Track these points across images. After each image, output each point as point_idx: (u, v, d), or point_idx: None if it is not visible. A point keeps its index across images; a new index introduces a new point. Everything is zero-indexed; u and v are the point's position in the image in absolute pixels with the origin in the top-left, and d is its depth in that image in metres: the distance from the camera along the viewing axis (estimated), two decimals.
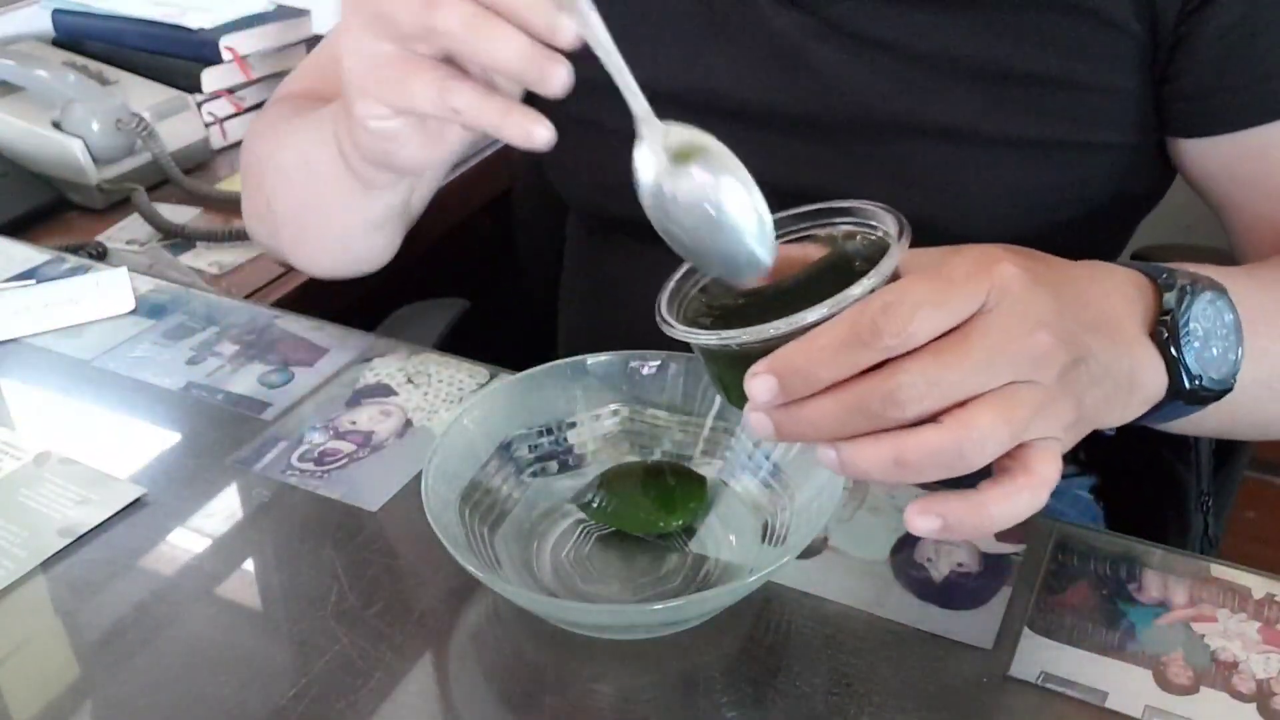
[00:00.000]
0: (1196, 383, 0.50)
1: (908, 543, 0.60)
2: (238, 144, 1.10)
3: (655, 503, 0.60)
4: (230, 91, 1.17)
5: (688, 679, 0.53)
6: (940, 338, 0.42)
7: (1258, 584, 0.57)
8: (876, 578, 0.58)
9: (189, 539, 0.62)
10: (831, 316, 0.43)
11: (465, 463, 0.59)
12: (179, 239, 0.99)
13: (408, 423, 0.70)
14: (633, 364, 0.64)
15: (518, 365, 0.66)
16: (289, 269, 0.92)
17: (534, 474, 0.63)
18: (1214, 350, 0.51)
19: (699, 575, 0.58)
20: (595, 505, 0.60)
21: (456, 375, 0.74)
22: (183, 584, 0.59)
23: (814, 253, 0.50)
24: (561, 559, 0.59)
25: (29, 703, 0.53)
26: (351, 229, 0.71)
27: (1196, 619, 0.56)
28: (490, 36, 0.46)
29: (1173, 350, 0.49)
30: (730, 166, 0.47)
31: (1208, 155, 0.66)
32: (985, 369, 0.42)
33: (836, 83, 0.67)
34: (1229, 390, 0.51)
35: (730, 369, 0.46)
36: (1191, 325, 0.50)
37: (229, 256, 0.97)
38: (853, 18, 0.66)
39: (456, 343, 0.96)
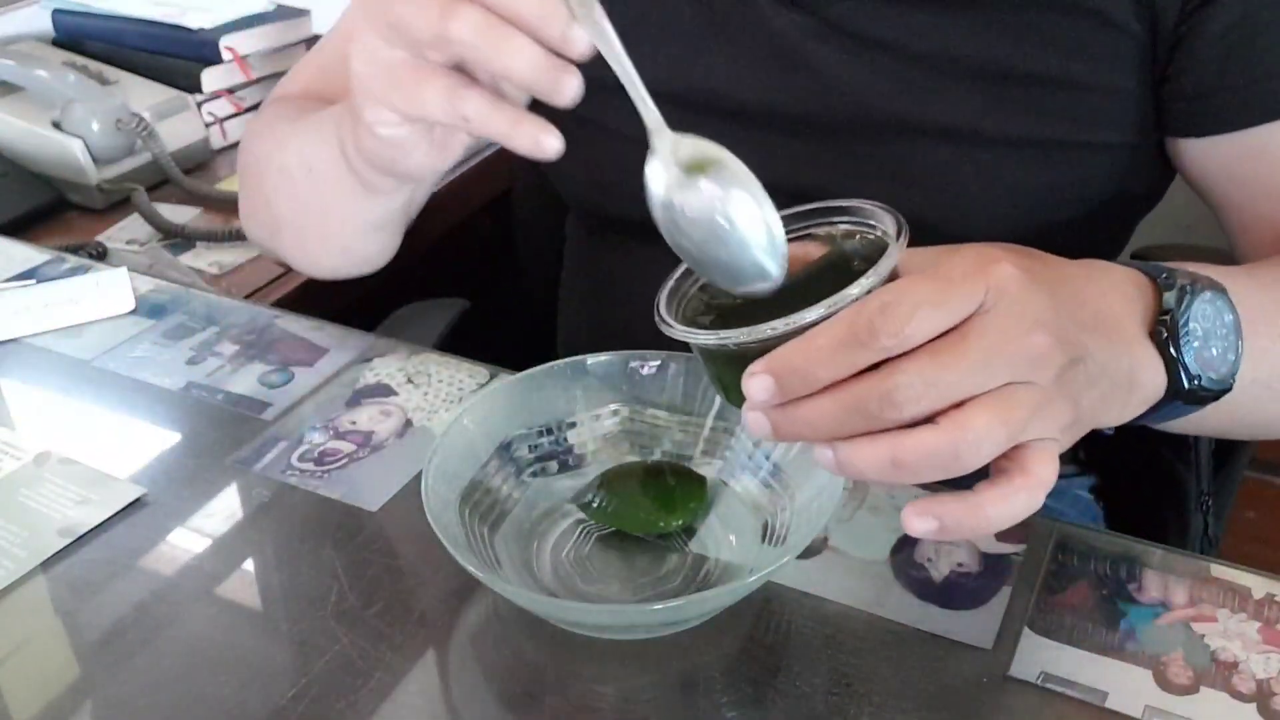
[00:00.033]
0: (1195, 383, 0.50)
1: (908, 543, 0.60)
2: (238, 144, 1.10)
3: (655, 503, 0.60)
4: (230, 91, 1.17)
5: (688, 679, 0.53)
6: (938, 338, 0.42)
7: (1258, 584, 0.57)
8: (876, 578, 0.58)
9: (189, 539, 0.62)
10: (829, 316, 0.43)
11: (465, 463, 0.59)
12: (179, 239, 0.99)
13: (408, 423, 0.70)
14: (633, 364, 0.64)
15: (518, 365, 0.66)
16: (289, 269, 0.92)
17: (534, 474, 0.63)
18: (1213, 350, 0.51)
19: (699, 575, 0.58)
20: (595, 505, 0.60)
21: (456, 375, 0.74)
22: (183, 584, 0.59)
23: (814, 252, 0.50)
24: (561, 559, 0.59)
25: (29, 703, 0.53)
26: (352, 231, 0.71)
27: (1196, 619, 0.56)
28: (504, 46, 0.46)
29: (1172, 350, 0.49)
30: (742, 179, 0.47)
31: (1207, 155, 0.66)
32: (982, 370, 0.42)
33: (836, 83, 0.67)
34: (1228, 390, 0.51)
35: (729, 368, 0.46)
36: (1191, 325, 0.50)
37: (229, 256, 0.97)
38: (853, 18, 0.66)
39: (456, 343, 0.96)
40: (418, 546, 0.60)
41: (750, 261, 0.47)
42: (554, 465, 0.63)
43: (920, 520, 0.44)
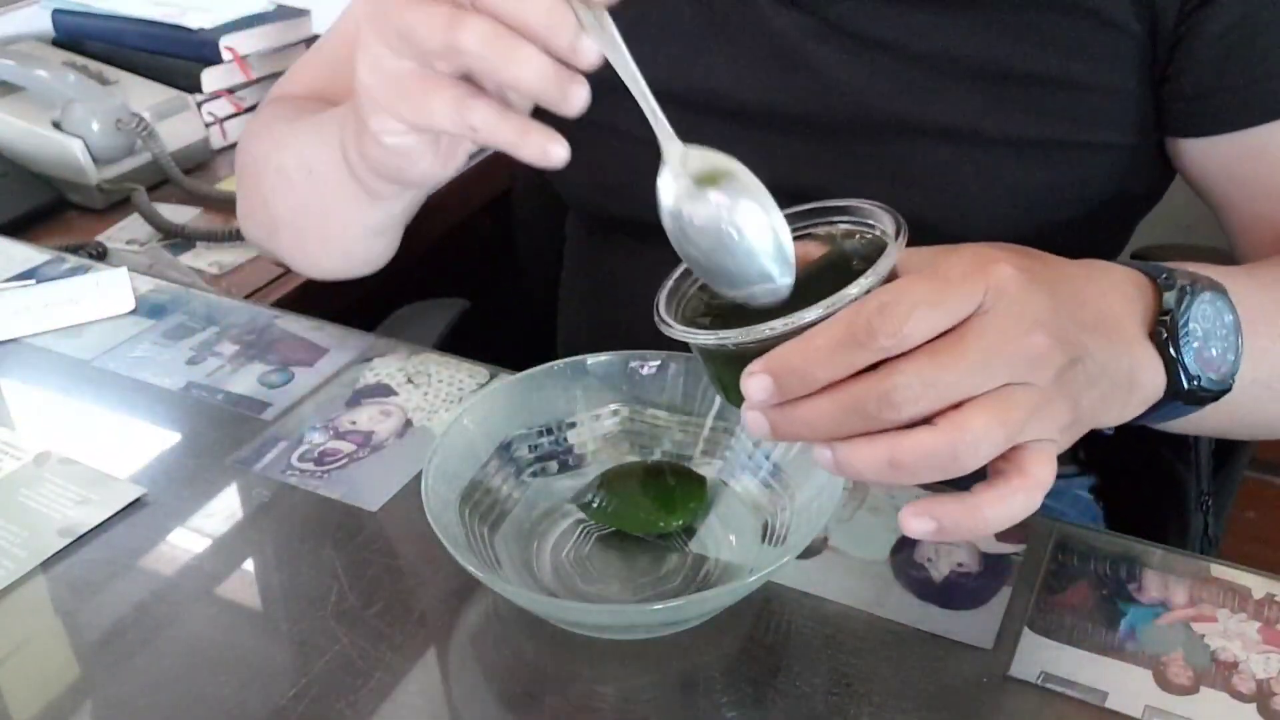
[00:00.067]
0: (1195, 383, 0.50)
1: (908, 543, 0.60)
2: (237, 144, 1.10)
3: (655, 503, 0.60)
4: (230, 91, 1.17)
5: (688, 679, 0.53)
6: (937, 338, 0.42)
7: (1258, 584, 0.57)
8: (876, 578, 0.58)
9: (189, 539, 0.62)
10: (828, 316, 0.43)
11: (465, 463, 0.59)
12: (179, 239, 1.00)
13: (408, 423, 0.70)
14: (633, 364, 0.64)
15: (518, 365, 0.66)
16: (289, 269, 0.92)
17: (534, 474, 0.63)
18: (1213, 350, 0.51)
19: (699, 575, 0.58)
20: (595, 505, 0.60)
21: (456, 375, 0.74)
22: (183, 584, 0.59)
23: (814, 251, 0.50)
24: (561, 559, 0.59)
25: (29, 703, 0.53)
26: (352, 234, 0.71)
27: (1196, 619, 0.56)
28: (512, 57, 0.45)
29: (1172, 350, 0.49)
30: (752, 191, 0.47)
31: (1207, 155, 0.66)
32: (981, 370, 0.42)
33: (836, 83, 0.67)
34: (1228, 390, 0.51)
35: (728, 368, 0.46)
36: (1191, 325, 0.50)
37: (229, 256, 0.97)
38: (853, 18, 0.66)
39: (456, 343, 0.96)
40: (418, 546, 0.60)
41: (758, 272, 0.47)
42: (554, 465, 0.63)
43: (918, 521, 0.44)
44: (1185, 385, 0.50)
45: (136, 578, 0.59)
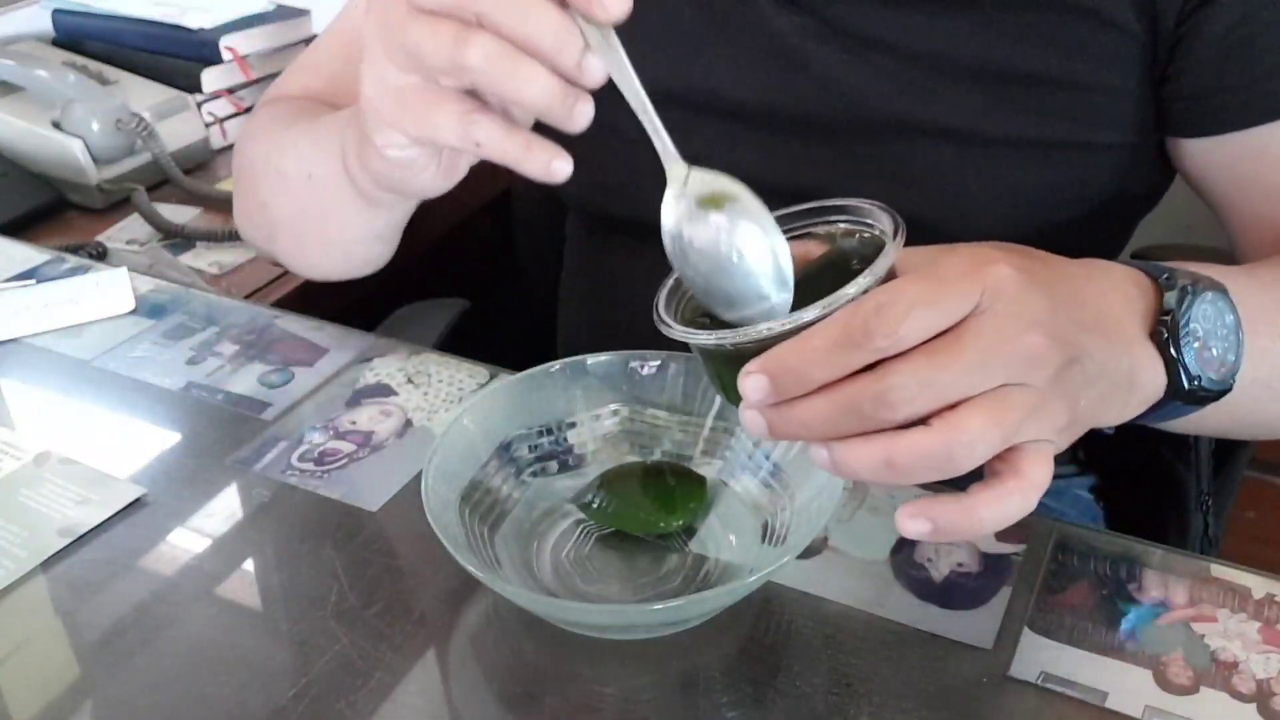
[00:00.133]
0: (1195, 383, 0.50)
1: (908, 543, 0.60)
2: None
3: (655, 503, 0.60)
4: (230, 91, 1.17)
5: (688, 679, 0.53)
6: (933, 338, 0.42)
7: (1258, 584, 0.57)
8: (876, 578, 0.58)
9: (189, 539, 0.62)
10: (825, 316, 0.43)
11: (465, 463, 0.59)
12: (179, 239, 1.00)
13: (408, 423, 0.70)
14: (633, 364, 0.64)
15: (518, 365, 0.66)
16: (288, 269, 0.92)
17: (534, 474, 0.63)
18: (1214, 350, 0.50)
19: (699, 575, 0.58)
20: (595, 505, 0.60)
21: (456, 375, 0.74)
22: (183, 584, 0.59)
23: (814, 251, 0.50)
24: (561, 559, 0.59)
25: (29, 703, 0.53)
26: (352, 238, 0.71)
27: (1196, 619, 0.56)
28: (519, 75, 0.45)
29: (1172, 350, 0.49)
30: (754, 214, 0.47)
31: (1208, 155, 0.66)
32: (977, 371, 0.42)
33: (836, 83, 0.67)
34: (1228, 390, 0.51)
35: (727, 368, 0.46)
36: (1192, 325, 0.50)
37: (229, 256, 0.97)
38: (853, 18, 0.66)
39: (456, 343, 0.96)
40: (418, 546, 0.60)
41: (756, 295, 0.46)
42: (554, 465, 0.63)
43: (913, 522, 0.44)
44: (1186, 385, 0.50)
45: (136, 578, 0.59)
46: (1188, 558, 0.59)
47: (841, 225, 0.50)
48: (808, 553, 0.59)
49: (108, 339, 0.79)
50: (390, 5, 0.48)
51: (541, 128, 0.48)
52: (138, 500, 0.64)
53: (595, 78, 0.46)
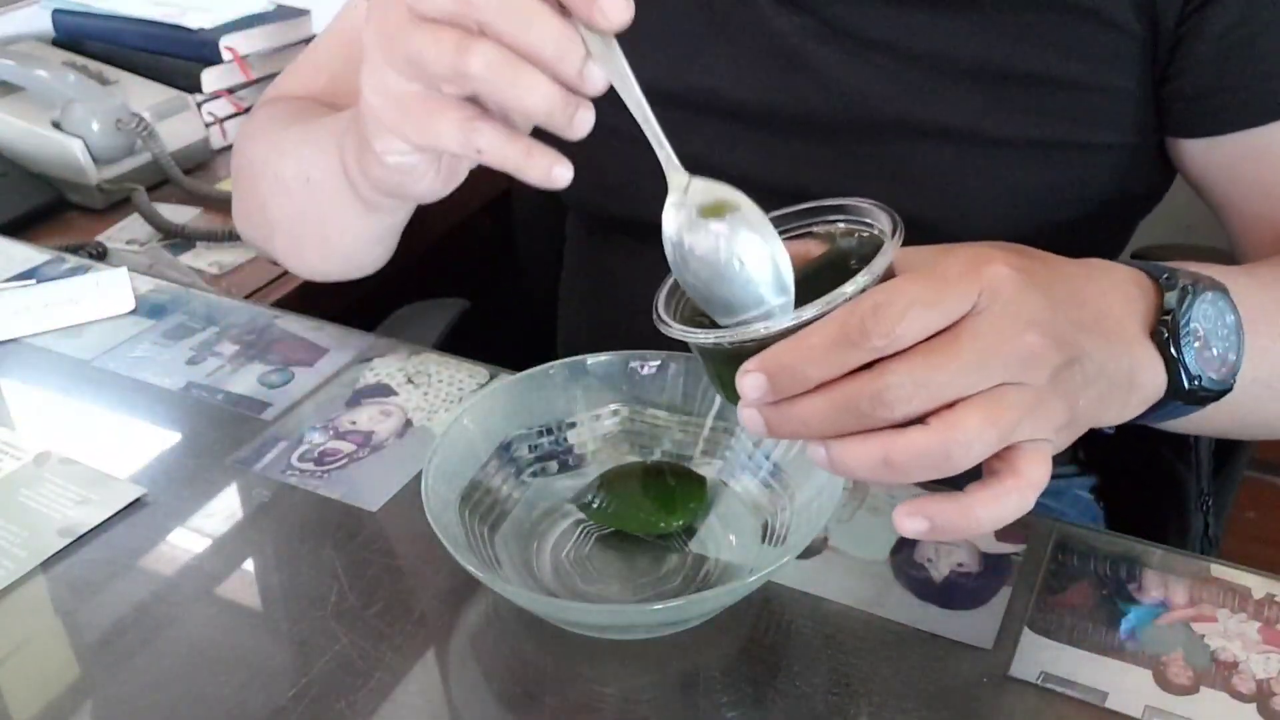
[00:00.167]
0: (1196, 383, 0.50)
1: (908, 543, 0.60)
2: None
3: (655, 503, 0.60)
4: (230, 91, 1.17)
5: (688, 679, 0.53)
6: (931, 338, 0.42)
7: (1258, 584, 0.57)
8: (876, 578, 0.58)
9: (189, 539, 0.62)
10: (824, 315, 0.43)
11: (465, 463, 0.59)
12: (179, 239, 1.00)
13: (408, 423, 0.70)
14: (633, 364, 0.64)
15: (518, 365, 0.66)
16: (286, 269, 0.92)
17: (534, 474, 0.63)
18: (1214, 350, 0.51)
19: (699, 575, 0.58)
20: (595, 506, 0.60)
21: (456, 375, 0.74)
22: (183, 584, 0.59)
23: (813, 250, 0.50)
24: (561, 559, 0.59)
25: (29, 703, 0.53)
26: (350, 241, 0.71)
27: (1196, 619, 0.56)
28: (520, 84, 0.45)
29: (1172, 350, 0.49)
30: (754, 223, 0.47)
31: (1208, 155, 0.66)
32: (975, 370, 0.42)
33: (836, 83, 0.67)
34: (1228, 390, 0.51)
35: (726, 367, 0.46)
36: (1192, 325, 0.50)
37: (229, 256, 0.97)
38: (853, 18, 0.66)
39: (456, 343, 0.96)
40: (418, 546, 0.60)
41: (755, 303, 0.46)
42: (554, 465, 0.63)
43: (911, 520, 0.44)
44: (1186, 385, 0.50)
45: (136, 578, 0.59)
46: (1188, 558, 0.59)
47: (840, 225, 0.50)
48: (808, 553, 0.59)
49: (108, 339, 0.79)
50: (390, 11, 0.48)
51: (541, 131, 0.48)
52: (138, 500, 0.64)
53: (596, 86, 0.46)
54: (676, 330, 0.47)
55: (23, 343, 0.79)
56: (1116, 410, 0.50)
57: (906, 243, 0.46)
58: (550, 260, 0.97)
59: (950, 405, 0.42)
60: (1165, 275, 0.51)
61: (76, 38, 1.22)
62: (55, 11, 1.23)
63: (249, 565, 0.61)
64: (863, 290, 0.43)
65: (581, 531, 0.60)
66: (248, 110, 1.18)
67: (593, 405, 0.64)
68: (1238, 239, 0.69)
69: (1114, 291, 0.50)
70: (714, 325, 0.48)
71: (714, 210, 0.47)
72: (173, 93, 1.13)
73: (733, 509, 0.61)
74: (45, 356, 0.77)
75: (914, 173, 0.68)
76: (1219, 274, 0.53)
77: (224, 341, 0.78)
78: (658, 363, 0.64)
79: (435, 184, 0.56)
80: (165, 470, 0.67)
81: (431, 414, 0.70)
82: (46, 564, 0.60)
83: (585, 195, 0.81)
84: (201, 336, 0.79)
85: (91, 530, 0.61)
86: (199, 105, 1.14)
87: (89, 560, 0.60)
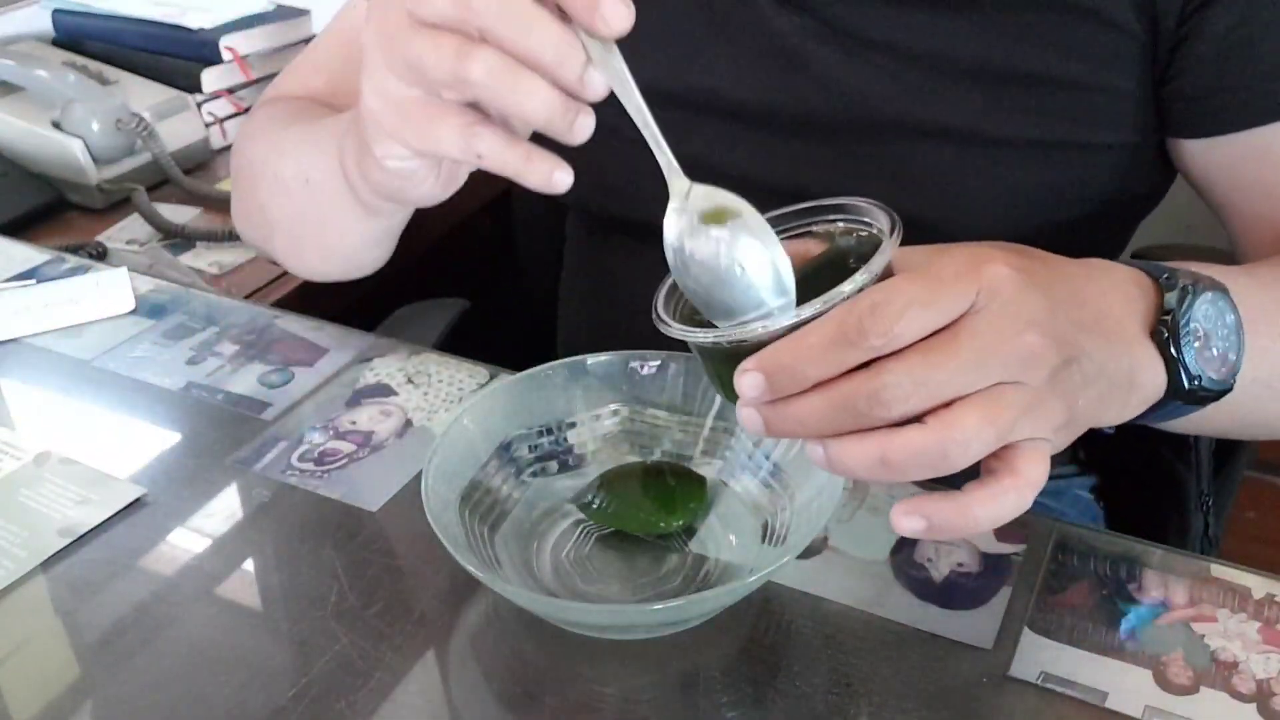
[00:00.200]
0: (1196, 383, 0.50)
1: (907, 543, 0.60)
2: None
3: (655, 503, 0.60)
4: (230, 91, 1.18)
5: (688, 679, 0.53)
6: (929, 337, 0.42)
7: (1258, 584, 0.57)
8: (876, 578, 0.58)
9: (189, 539, 0.62)
10: (822, 314, 0.43)
11: (465, 463, 0.59)
12: (179, 239, 1.00)
13: (408, 423, 0.70)
14: (633, 364, 0.64)
15: (518, 365, 0.66)
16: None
17: (534, 474, 0.63)
18: (1214, 350, 0.51)
19: (699, 575, 0.58)
20: (595, 506, 0.60)
21: (456, 375, 0.74)
22: (183, 584, 0.59)
23: (813, 249, 0.50)
24: (561, 559, 0.59)
25: (29, 703, 0.53)
26: (349, 243, 0.71)
27: (1196, 619, 0.56)
28: (520, 89, 0.45)
29: (1172, 350, 0.49)
30: (754, 229, 0.46)
31: (1208, 155, 0.66)
32: (973, 369, 0.42)
33: (836, 83, 0.67)
34: (1228, 390, 0.51)
35: (725, 366, 0.46)
36: (1192, 325, 0.50)
37: (229, 256, 0.97)
38: (853, 18, 0.66)
39: (456, 343, 0.96)
40: (418, 546, 0.60)
41: (755, 307, 0.47)
42: (554, 465, 0.63)
43: (908, 519, 0.44)
44: (1186, 385, 0.50)
45: (136, 578, 0.59)
46: (1188, 558, 0.59)
47: (839, 224, 0.50)
48: (808, 553, 0.59)
49: (108, 339, 0.79)
50: (390, 15, 0.48)
51: (541, 134, 0.48)
52: (138, 500, 0.64)
53: (597, 91, 0.46)
54: (676, 330, 0.47)
55: (23, 343, 0.79)
56: (1116, 410, 0.50)
57: (906, 242, 0.46)
58: (550, 260, 0.97)
59: (948, 404, 0.42)
60: (1165, 275, 0.51)
61: (76, 38, 1.22)
62: (55, 11, 1.23)
63: (249, 565, 0.61)
64: (861, 289, 0.43)
65: (581, 531, 0.60)
66: (248, 110, 1.18)
67: (593, 405, 0.64)
68: (1238, 239, 0.69)
69: (1114, 291, 0.50)
70: (713, 325, 0.48)
71: (715, 216, 0.47)
72: (173, 93, 1.13)
73: (733, 509, 0.61)
74: (45, 356, 0.77)
75: (914, 173, 0.68)
76: (1219, 274, 0.53)
77: (224, 341, 0.78)
78: (658, 363, 0.64)
79: (435, 188, 0.56)
80: (165, 470, 0.67)
81: (431, 414, 0.70)
82: (46, 564, 0.60)
83: (585, 195, 0.80)
84: (201, 336, 0.79)
85: (91, 530, 0.61)
86: (199, 105, 1.14)
87: (89, 560, 0.60)
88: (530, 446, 0.63)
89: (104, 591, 0.58)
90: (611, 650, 0.54)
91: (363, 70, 0.51)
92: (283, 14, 1.22)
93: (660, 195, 0.48)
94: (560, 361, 0.64)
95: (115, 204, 1.04)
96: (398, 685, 0.53)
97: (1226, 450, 0.91)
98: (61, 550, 0.60)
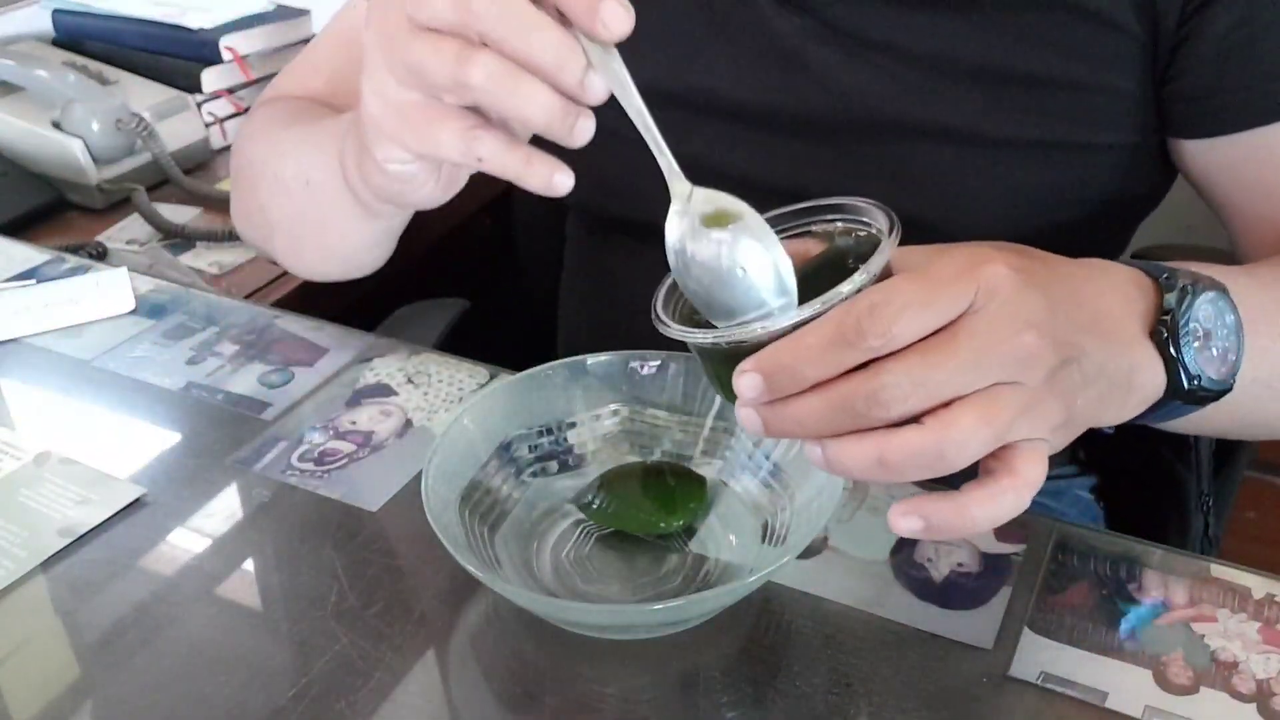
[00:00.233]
0: (1195, 383, 0.50)
1: (907, 543, 0.60)
2: None
3: (655, 503, 0.60)
4: (230, 91, 1.18)
5: (688, 679, 0.53)
6: (928, 337, 0.42)
7: (1258, 584, 0.57)
8: (876, 578, 0.58)
9: (189, 539, 0.62)
10: (820, 314, 0.43)
11: (465, 463, 0.59)
12: (179, 239, 1.00)
13: (408, 423, 0.70)
14: (633, 364, 0.64)
15: (518, 365, 0.66)
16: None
17: (534, 474, 0.63)
18: (1214, 350, 0.51)
19: (699, 575, 0.58)
20: (595, 506, 0.60)
21: (456, 375, 0.74)
22: (183, 584, 0.59)
23: (811, 249, 0.50)
24: (561, 559, 0.59)
25: (29, 703, 0.53)
26: (349, 244, 0.71)
27: (1196, 619, 0.56)
28: (520, 93, 0.45)
29: (1172, 350, 0.49)
30: (756, 232, 0.47)
31: (1209, 156, 0.66)
32: (971, 370, 0.42)
33: (836, 84, 0.67)
34: (1228, 390, 0.51)
35: (725, 366, 0.46)
36: (1192, 325, 0.50)
37: (229, 256, 0.97)
38: (853, 19, 0.66)
39: (456, 343, 0.96)
40: (418, 546, 0.60)
41: (755, 309, 0.47)
42: (554, 465, 0.63)
43: (906, 519, 0.44)
44: (1186, 385, 0.50)
45: (136, 578, 0.59)
46: (1188, 558, 0.59)
47: (838, 224, 0.50)
48: (808, 553, 0.59)
49: (108, 339, 0.79)
50: (390, 18, 0.48)
51: (541, 136, 0.48)
52: (138, 500, 0.64)
53: (597, 95, 0.46)
54: (675, 330, 0.47)
55: (23, 343, 0.79)
56: (1115, 410, 0.50)
57: (906, 242, 0.46)
58: (550, 260, 0.97)
59: (946, 405, 0.42)
60: (1165, 275, 0.51)
61: (76, 38, 1.22)
62: (55, 11, 1.23)
63: (249, 565, 0.61)
64: (859, 290, 0.43)
65: (581, 531, 0.60)
66: (248, 110, 1.18)
67: (593, 405, 0.64)
68: (1238, 239, 0.69)
69: (1113, 291, 0.50)
70: (712, 325, 0.48)
71: (716, 219, 0.47)
72: (173, 93, 1.13)
73: (733, 509, 0.61)
74: (45, 356, 0.77)
75: (914, 173, 0.68)
76: (1219, 274, 0.53)
77: (224, 341, 0.78)
78: (658, 363, 0.64)
79: (435, 191, 0.56)
80: (165, 470, 0.67)
81: (431, 414, 0.70)
82: (46, 564, 0.60)
83: (585, 196, 0.80)
84: (201, 336, 0.79)
85: (91, 530, 0.61)
86: (199, 105, 1.14)
87: (89, 560, 0.60)
88: (530, 446, 0.63)
89: (104, 591, 0.58)
90: (611, 650, 0.54)
91: (362, 73, 0.51)
92: (283, 14, 1.22)
93: (660, 195, 0.48)
94: (560, 361, 0.64)
95: (115, 204, 1.04)
96: (398, 685, 0.53)
97: (1226, 450, 0.91)
98: (61, 550, 0.60)
